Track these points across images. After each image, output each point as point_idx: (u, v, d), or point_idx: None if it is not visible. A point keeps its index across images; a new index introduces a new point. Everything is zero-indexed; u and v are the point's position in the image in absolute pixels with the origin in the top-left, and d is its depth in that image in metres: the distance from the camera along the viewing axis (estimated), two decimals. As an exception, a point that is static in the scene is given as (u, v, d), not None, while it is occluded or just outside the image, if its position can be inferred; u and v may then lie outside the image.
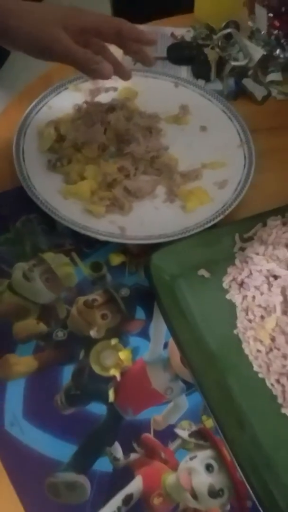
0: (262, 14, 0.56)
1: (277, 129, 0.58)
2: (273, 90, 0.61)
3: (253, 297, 0.40)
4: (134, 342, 0.42)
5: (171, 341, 0.41)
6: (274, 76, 0.61)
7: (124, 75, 0.50)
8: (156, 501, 0.35)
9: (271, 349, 0.38)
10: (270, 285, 0.39)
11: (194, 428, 0.38)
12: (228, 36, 0.62)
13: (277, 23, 0.55)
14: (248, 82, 0.60)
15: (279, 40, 0.57)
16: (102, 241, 0.46)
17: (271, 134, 0.57)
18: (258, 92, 0.60)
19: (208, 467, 0.36)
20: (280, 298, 0.37)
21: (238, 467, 0.34)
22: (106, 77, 0.44)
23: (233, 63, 0.59)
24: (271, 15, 0.56)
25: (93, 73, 0.44)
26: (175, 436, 0.37)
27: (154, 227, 0.47)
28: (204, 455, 0.36)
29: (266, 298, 0.38)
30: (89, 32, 0.45)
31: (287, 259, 0.39)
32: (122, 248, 0.47)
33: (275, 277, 0.39)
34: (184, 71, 0.61)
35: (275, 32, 0.57)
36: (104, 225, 0.47)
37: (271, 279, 0.39)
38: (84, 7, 0.47)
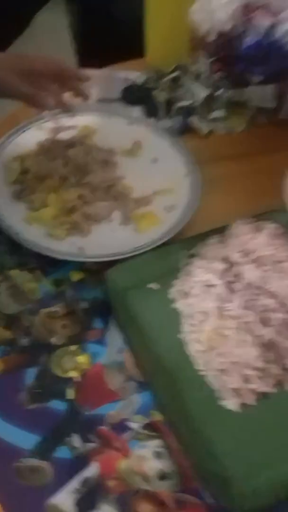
0: (203, 59, 0.64)
1: (221, 159, 0.65)
2: (217, 125, 0.69)
3: (194, 304, 0.46)
4: (93, 348, 0.47)
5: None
6: (218, 113, 0.69)
7: (65, 108, 0.59)
8: (111, 483, 0.39)
9: (210, 349, 0.44)
10: (207, 293, 0.45)
11: (145, 421, 0.43)
12: (176, 79, 0.70)
13: (217, 67, 0.63)
14: (194, 119, 0.68)
15: (220, 81, 0.65)
16: (63, 260, 0.51)
17: (215, 164, 0.64)
18: (203, 127, 0.68)
19: (158, 454, 0.41)
20: (215, 304, 0.43)
21: (183, 453, 0.39)
22: (48, 108, 0.57)
23: (180, 103, 0.68)
24: (211, 60, 0.64)
25: (38, 105, 0.56)
26: (128, 429, 0.42)
27: (110, 247, 0.53)
28: (154, 444, 0.41)
29: (204, 304, 0.44)
30: (34, 73, 0.55)
31: (220, 270, 0.46)
32: (82, 266, 0.53)
33: (211, 286, 0.45)
34: (137, 111, 0.69)
35: (216, 74, 0.65)
36: (65, 246, 0.52)
37: (208, 288, 0.45)
38: (45, 54, 0.57)
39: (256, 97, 0.62)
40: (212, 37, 0.59)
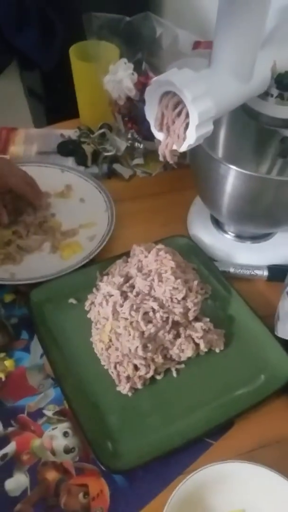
0: (119, 118, 0.78)
1: (140, 197, 0.78)
2: (137, 170, 0.82)
3: (99, 311, 0.56)
4: (18, 355, 0.57)
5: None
6: (137, 160, 0.82)
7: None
8: (25, 457, 0.48)
9: (109, 346, 0.54)
10: (107, 301, 0.56)
11: (57, 409, 0.52)
12: (103, 134, 0.84)
13: (130, 125, 0.77)
14: (117, 166, 0.81)
15: (134, 136, 0.79)
16: (-2, 284, 0.62)
17: (133, 202, 0.77)
18: (126, 172, 0.81)
19: (65, 434, 0.50)
20: (111, 309, 0.54)
21: (84, 432, 0.48)
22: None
23: (105, 153, 0.81)
24: (125, 119, 0.78)
25: None
26: (43, 415, 0.52)
27: (39, 272, 0.63)
28: (63, 426, 0.51)
29: (105, 310, 0.55)
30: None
31: (120, 283, 0.57)
32: (14, 289, 0.63)
33: (111, 295, 0.56)
34: (69, 161, 0.82)
35: (131, 131, 0.79)
36: (-1, 273, 0.63)
37: (108, 297, 0.56)
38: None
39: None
40: (122, 101, 0.74)
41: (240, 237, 0.69)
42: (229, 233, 0.70)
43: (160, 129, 0.44)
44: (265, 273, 0.64)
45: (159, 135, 0.46)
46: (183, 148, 0.43)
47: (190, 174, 0.67)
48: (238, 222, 0.66)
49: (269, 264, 0.66)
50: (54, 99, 1.07)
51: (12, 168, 0.69)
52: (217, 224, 0.71)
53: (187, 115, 0.41)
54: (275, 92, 0.49)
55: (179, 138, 0.42)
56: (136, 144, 0.80)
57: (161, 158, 0.48)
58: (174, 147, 0.44)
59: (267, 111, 0.53)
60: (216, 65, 0.43)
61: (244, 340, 0.57)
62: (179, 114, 0.41)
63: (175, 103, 0.42)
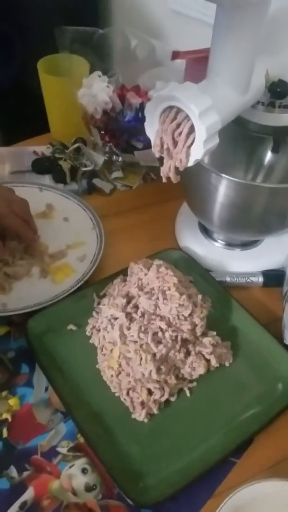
0: (96, 132, 0.76)
1: (122, 212, 0.76)
2: (117, 184, 0.80)
3: (104, 336, 0.54)
4: (21, 391, 0.53)
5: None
6: (116, 174, 0.80)
7: None
8: (45, 503, 0.45)
9: (119, 372, 0.52)
10: (112, 325, 0.53)
11: (71, 444, 0.49)
12: (78, 149, 0.81)
13: (107, 138, 0.75)
14: (97, 181, 0.79)
15: (112, 149, 0.77)
16: (-12, 317, 0.58)
17: (118, 217, 0.75)
18: (106, 187, 0.79)
19: (84, 471, 0.47)
20: (118, 333, 0.52)
21: (103, 465, 0.46)
22: None
23: (83, 169, 0.78)
24: (102, 132, 0.76)
25: None
26: (57, 453, 0.49)
27: (31, 299, 0.60)
28: (80, 463, 0.48)
29: (111, 335, 0.53)
30: None
31: (123, 304, 0.55)
32: (7, 320, 0.60)
33: (115, 318, 0.54)
34: (46, 179, 0.79)
35: (109, 144, 0.77)
36: (-11, 305, 0.59)
37: (112, 320, 0.54)
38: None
39: (143, 159, 0.74)
40: (98, 115, 0.72)
41: (230, 244, 0.69)
42: (219, 241, 0.70)
43: (161, 152, 0.43)
44: (260, 279, 0.64)
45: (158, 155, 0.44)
46: (190, 163, 0.42)
47: (172, 185, 0.66)
48: (230, 231, 0.65)
49: (262, 270, 0.66)
50: (9, 116, 1.03)
51: (11, 204, 0.64)
52: (206, 233, 0.71)
53: (190, 132, 0.40)
54: (266, 100, 0.49)
55: (182, 157, 0.41)
56: (114, 157, 0.79)
57: (164, 180, 0.46)
58: (178, 165, 0.43)
59: (257, 119, 0.52)
60: (214, 77, 0.42)
61: (251, 350, 0.56)
62: (180, 132, 0.40)
63: (172, 118, 0.41)
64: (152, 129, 0.43)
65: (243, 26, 0.37)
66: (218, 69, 0.41)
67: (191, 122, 0.38)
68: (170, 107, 0.40)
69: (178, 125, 0.40)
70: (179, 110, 0.40)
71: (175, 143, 0.41)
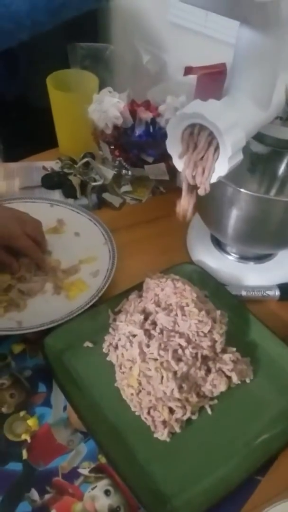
0: (105, 147, 0.76)
1: (133, 226, 0.76)
2: (127, 197, 0.80)
3: (122, 354, 0.53)
4: (40, 411, 0.53)
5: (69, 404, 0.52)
6: (126, 188, 0.80)
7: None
8: (68, 527, 0.44)
9: (140, 391, 0.51)
10: (131, 342, 0.53)
11: (92, 465, 0.48)
12: (87, 164, 0.81)
13: (117, 153, 0.76)
14: (106, 195, 0.79)
15: (122, 164, 0.77)
16: (4, 335, 0.57)
17: (129, 230, 0.75)
18: (116, 201, 0.79)
19: (107, 492, 0.46)
20: (138, 350, 0.51)
21: (127, 487, 0.45)
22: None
23: (93, 184, 0.78)
24: (112, 147, 0.76)
25: (11, 271, 0.64)
26: (79, 475, 0.48)
27: (46, 316, 0.59)
28: (103, 484, 0.47)
29: (130, 352, 0.52)
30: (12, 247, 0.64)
31: (140, 321, 0.54)
32: (22, 338, 0.59)
33: (134, 335, 0.53)
34: (56, 194, 0.79)
35: (118, 159, 0.77)
36: (4, 323, 0.58)
37: (131, 338, 0.53)
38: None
39: (153, 172, 0.74)
40: (109, 131, 0.72)
41: (243, 258, 0.69)
42: (232, 254, 0.69)
43: (188, 166, 0.42)
44: (277, 293, 0.64)
45: (182, 169, 0.44)
46: (213, 180, 0.42)
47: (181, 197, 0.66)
48: (244, 244, 0.65)
49: (278, 284, 0.65)
50: (15, 131, 1.04)
51: (25, 225, 0.64)
52: (219, 246, 0.70)
53: (217, 147, 0.39)
54: (284, 115, 0.49)
55: (207, 186, 0.41)
56: (124, 171, 0.79)
57: (180, 216, 0.46)
58: (201, 193, 0.42)
59: (273, 133, 0.52)
60: (236, 93, 0.42)
61: (271, 365, 0.55)
62: (207, 148, 0.39)
63: (198, 136, 0.41)
64: (174, 146, 0.42)
65: (267, 44, 0.37)
66: (240, 85, 0.41)
67: (216, 142, 0.38)
68: (193, 125, 0.40)
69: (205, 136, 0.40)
70: (202, 128, 0.40)
71: (202, 156, 0.40)
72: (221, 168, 0.40)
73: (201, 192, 0.43)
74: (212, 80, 0.56)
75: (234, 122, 0.38)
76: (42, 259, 0.66)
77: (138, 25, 1.09)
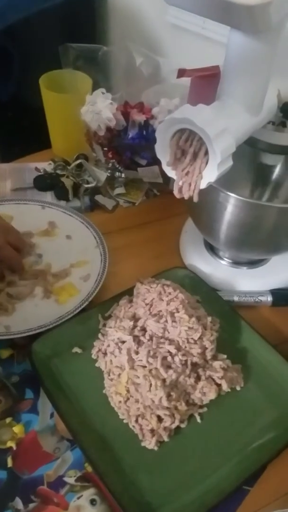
0: (98, 149, 0.75)
1: (125, 229, 0.75)
2: (120, 200, 0.79)
3: (111, 360, 0.52)
4: (26, 418, 0.52)
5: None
6: (119, 190, 0.79)
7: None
8: (52, 538, 0.43)
9: (128, 398, 0.50)
10: (120, 349, 0.52)
11: (79, 474, 0.48)
12: (80, 165, 0.80)
13: (110, 155, 0.75)
14: (99, 198, 0.78)
15: (115, 166, 0.76)
16: (-9, 340, 0.56)
17: (121, 234, 0.74)
18: (109, 203, 0.78)
19: (92, 502, 0.46)
20: (126, 357, 0.50)
21: (113, 497, 0.44)
22: None
23: (86, 186, 0.77)
24: (105, 149, 0.75)
25: None
26: (64, 484, 0.47)
27: (35, 321, 0.58)
28: (89, 493, 0.46)
29: (118, 359, 0.51)
30: None
31: (130, 327, 0.53)
32: (10, 343, 0.58)
33: (123, 342, 0.53)
34: (48, 196, 0.78)
35: (111, 161, 0.76)
36: (-8, 327, 0.58)
37: (120, 344, 0.52)
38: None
39: (147, 175, 0.73)
40: (102, 132, 0.71)
41: (236, 263, 0.68)
42: (225, 259, 0.69)
43: (175, 169, 0.42)
44: (269, 298, 0.63)
45: (172, 174, 0.43)
46: (202, 186, 0.41)
47: (175, 201, 0.65)
48: (237, 249, 0.64)
49: (271, 289, 0.65)
50: (7, 131, 1.03)
51: (8, 233, 0.64)
52: (212, 250, 0.70)
53: (205, 153, 0.39)
54: (277, 120, 0.49)
55: (196, 178, 0.40)
56: (117, 173, 0.78)
57: (178, 196, 0.45)
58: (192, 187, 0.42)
59: (266, 138, 0.52)
60: (226, 98, 0.41)
61: (262, 373, 0.55)
62: (195, 155, 0.39)
63: (186, 140, 0.40)
64: (163, 151, 0.42)
65: (258, 49, 0.36)
66: (231, 90, 0.40)
67: (205, 148, 0.38)
68: (182, 130, 0.40)
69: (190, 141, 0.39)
70: (191, 133, 0.39)
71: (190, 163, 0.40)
72: (210, 174, 0.39)
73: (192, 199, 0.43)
74: (206, 83, 0.55)
75: (224, 128, 0.37)
76: (22, 269, 0.66)
77: (136, 26, 1.08)
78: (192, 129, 0.38)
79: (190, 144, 0.39)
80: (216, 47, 0.77)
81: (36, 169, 0.81)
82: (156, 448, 0.48)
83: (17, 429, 0.50)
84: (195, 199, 0.41)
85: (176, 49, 1.01)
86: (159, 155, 0.42)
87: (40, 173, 0.80)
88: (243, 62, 0.38)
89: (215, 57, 0.73)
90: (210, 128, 0.36)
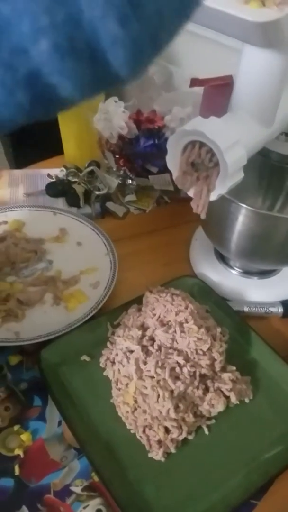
0: (110, 156, 0.76)
1: (136, 236, 0.75)
2: (130, 207, 0.79)
3: (119, 370, 0.52)
4: (34, 425, 0.52)
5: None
6: (130, 197, 0.79)
7: None
8: None
9: (135, 409, 0.50)
10: (128, 358, 0.52)
11: (85, 483, 0.48)
12: (92, 172, 0.81)
13: (122, 163, 0.75)
14: (110, 204, 0.78)
15: (126, 173, 0.77)
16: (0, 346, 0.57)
17: (131, 240, 0.74)
18: (119, 210, 0.78)
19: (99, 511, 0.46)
20: (134, 367, 0.50)
21: (119, 507, 0.44)
22: None
23: (97, 192, 0.78)
24: (117, 156, 0.75)
25: None
26: (71, 493, 0.47)
27: (44, 328, 0.59)
28: (95, 503, 0.46)
29: (126, 368, 0.51)
30: None
31: (138, 336, 0.53)
32: (19, 349, 0.58)
33: (131, 351, 0.52)
34: (60, 202, 0.78)
35: (122, 168, 0.76)
36: (2, 333, 0.58)
37: (128, 353, 0.52)
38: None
39: (158, 183, 0.73)
40: (114, 140, 0.71)
41: (247, 273, 0.68)
42: (235, 268, 0.68)
43: (184, 183, 0.42)
44: (280, 309, 0.63)
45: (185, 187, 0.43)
46: (213, 198, 0.41)
47: (186, 209, 0.65)
48: (248, 259, 0.64)
49: (281, 300, 0.64)
50: (20, 137, 1.03)
51: None
52: (222, 260, 0.69)
53: (216, 164, 0.39)
54: (289, 131, 0.48)
55: (201, 207, 0.40)
56: (128, 181, 0.78)
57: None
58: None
59: (278, 149, 0.51)
60: (238, 110, 0.41)
61: (272, 385, 0.54)
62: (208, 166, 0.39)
63: (197, 153, 0.40)
64: (174, 162, 0.42)
65: (271, 62, 0.36)
66: (244, 102, 0.40)
67: (216, 160, 0.38)
68: (193, 141, 0.40)
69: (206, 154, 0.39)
70: (202, 145, 0.39)
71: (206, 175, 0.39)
72: (221, 186, 0.39)
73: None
74: (219, 92, 0.55)
75: (235, 140, 0.37)
76: None
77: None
78: (203, 141, 0.38)
79: (200, 157, 0.39)
80: (231, 53, 0.77)
81: (49, 175, 0.82)
82: (163, 460, 0.48)
83: (25, 436, 0.50)
84: (203, 216, 0.41)
85: (189, 58, 1.01)
86: (170, 166, 0.42)
87: (52, 180, 0.81)
88: (256, 75, 0.38)
89: (230, 66, 0.73)
90: (221, 140, 0.36)
